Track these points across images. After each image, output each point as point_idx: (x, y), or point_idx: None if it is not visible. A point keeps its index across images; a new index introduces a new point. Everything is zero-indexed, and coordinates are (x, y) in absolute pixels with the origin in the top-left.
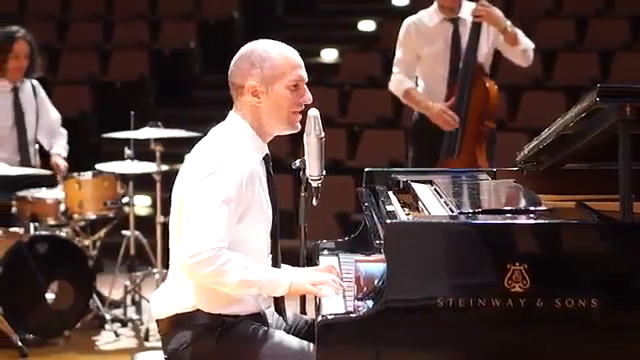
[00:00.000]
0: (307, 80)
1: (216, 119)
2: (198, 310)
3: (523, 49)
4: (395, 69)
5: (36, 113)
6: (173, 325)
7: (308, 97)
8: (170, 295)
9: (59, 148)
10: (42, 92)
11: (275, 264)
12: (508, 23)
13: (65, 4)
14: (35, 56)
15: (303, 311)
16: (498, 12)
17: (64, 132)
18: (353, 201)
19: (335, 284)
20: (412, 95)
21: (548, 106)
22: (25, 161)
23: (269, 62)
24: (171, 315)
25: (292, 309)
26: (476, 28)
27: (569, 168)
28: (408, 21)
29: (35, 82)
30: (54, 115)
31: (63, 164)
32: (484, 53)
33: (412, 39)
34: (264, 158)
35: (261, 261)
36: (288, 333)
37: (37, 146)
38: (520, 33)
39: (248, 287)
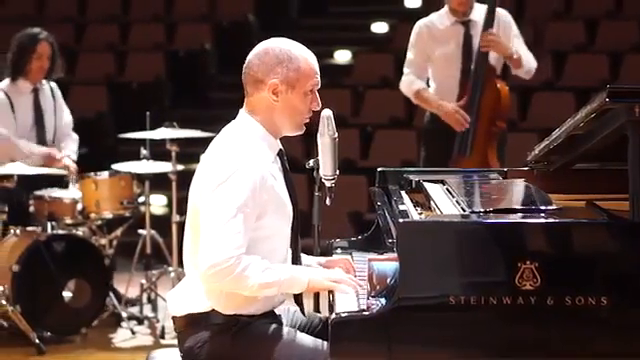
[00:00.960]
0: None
1: (231, 119)
2: (213, 310)
3: (526, 70)
4: (406, 70)
5: (54, 114)
6: (189, 324)
7: (319, 103)
8: (186, 295)
9: (69, 151)
10: (59, 94)
11: (295, 257)
12: (514, 50)
13: (82, 6)
14: (56, 58)
15: (317, 309)
16: (504, 40)
17: (76, 137)
18: (366, 200)
19: (351, 281)
20: (423, 95)
21: (558, 107)
22: (44, 160)
23: (295, 64)
24: (187, 314)
25: (306, 307)
26: (483, 54)
27: (579, 168)
28: (420, 23)
29: (53, 84)
30: (67, 118)
31: (73, 166)
32: (495, 55)
33: (423, 41)
34: (278, 154)
35: (282, 256)
36: (302, 331)
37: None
38: (525, 53)
39: (268, 288)
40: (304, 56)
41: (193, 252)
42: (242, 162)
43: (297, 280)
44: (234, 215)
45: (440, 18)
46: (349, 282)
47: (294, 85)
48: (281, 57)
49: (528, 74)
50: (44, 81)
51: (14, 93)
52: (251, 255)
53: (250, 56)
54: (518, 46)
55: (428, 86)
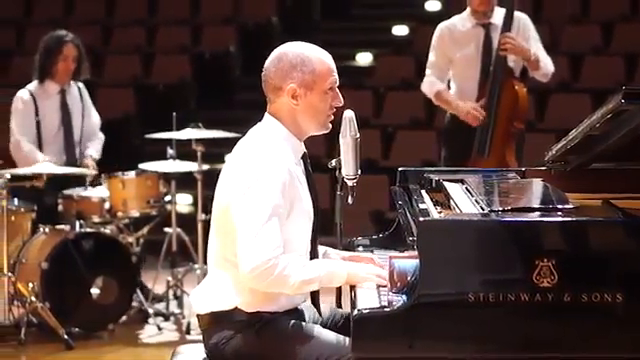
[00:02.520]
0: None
1: (255, 120)
2: (237, 308)
3: (543, 73)
4: (427, 71)
5: (82, 115)
6: (213, 321)
7: (340, 100)
8: (210, 293)
9: (92, 150)
10: (87, 95)
11: (314, 258)
12: (532, 52)
13: (109, 9)
14: (83, 59)
15: (339, 305)
16: (522, 42)
17: (102, 136)
18: (387, 199)
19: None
20: (443, 96)
21: (575, 108)
22: (71, 161)
23: (309, 66)
24: (211, 312)
25: (329, 303)
26: (502, 59)
27: (595, 168)
28: (441, 26)
29: (81, 85)
30: (95, 118)
31: (92, 166)
32: (514, 58)
33: (445, 43)
34: (302, 157)
35: (302, 257)
36: (324, 327)
37: (80, 147)
38: (543, 56)
39: (309, 284)
40: (318, 57)
41: (218, 250)
42: (270, 163)
43: (336, 274)
44: (269, 217)
45: (461, 21)
46: (384, 277)
47: (312, 87)
48: (295, 61)
49: (545, 77)
50: (72, 82)
51: (41, 94)
52: (289, 254)
53: (266, 64)
54: (536, 49)
55: (449, 88)
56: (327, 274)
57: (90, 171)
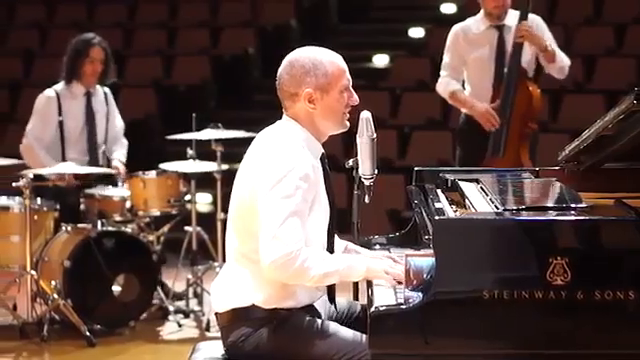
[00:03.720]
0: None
1: (273, 120)
2: (254, 305)
3: (559, 66)
4: (442, 72)
5: (106, 118)
6: (231, 319)
7: (356, 98)
8: (229, 289)
9: (119, 154)
10: (112, 100)
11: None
12: (547, 43)
13: (131, 12)
14: (109, 62)
15: (356, 299)
16: (539, 32)
17: (125, 142)
18: (403, 199)
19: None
20: (458, 96)
21: (588, 108)
22: (93, 161)
23: (322, 69)
24: (229, 310)
25: (346, 297)
26: (518, 47)
27: (608, 167)
28: (456, 27)
29: (107, 89)
30: (119, 123)
31: (123, 168)
32: (527, 59)
33: (459, 45)
34: (320, 158)
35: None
36: (340, 320)
37: (104, 149)
38: (558, 51)
39: (329, 277)
40: (329, 59)
41: (237, 247)
42: (295, 161)
43: (355, 268)
44: (292, 211)
45: (476, 22)
46: (402, 277)
47: (327, 89)
48: (307, 66)
49: (561, 72)
50: (98, 86)
51: (66, 95)
52: (308, 247)
53: (279, 72)
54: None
55: (464, 88)
56: (346, 268)
57: (113, 171)
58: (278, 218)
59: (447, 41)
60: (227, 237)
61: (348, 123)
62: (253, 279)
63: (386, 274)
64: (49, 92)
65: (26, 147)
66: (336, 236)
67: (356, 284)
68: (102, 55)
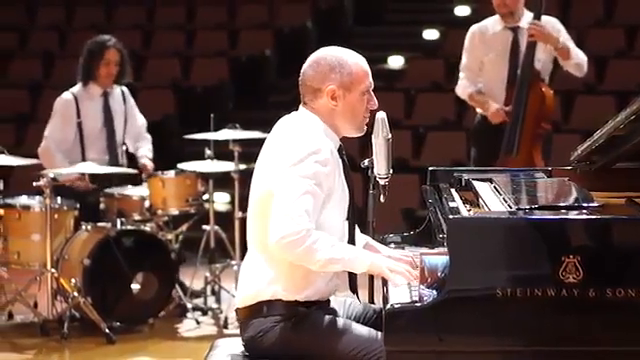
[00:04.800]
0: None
1: None
2: (274, 300)
3: (575, 62)
4: (461, 74)
5: (124, 117)
6: (250, 314)
7: (375, 103)
8: (248, 285)
9: (145, 150)
10: (131, 99)
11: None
12: (561, 40)
13: (150, 14)
14: (125, 63)
15: (371, 300)
16: (550, 30)
17: (149, 137)
18: (418, 198)
19: (409, 275)
20: (475, 97)
21: (600, 109)
22: (113, 161)
23: (347, 68)
24: (249, 304)
25: (362, 293)
26: (531, 46)
27: (619, 167)
28: (474, 28)
29: (125, 89)
30: (140, 121)
31: (150, 165)
32: (542, 61)
33: (476, 45)
34: (338, 150)
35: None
36: (358, 322)
37: (124, 148)
38: (573, 48)
39: (334, 264)
40: (354, 60)
41: (257, 235)
42: (316, 145)
43: (360, 261)
44: (306, 192)
45: (492, 23)
46: (406, 275)
47: (350, 88)
48: (333, 64)
49: (578, 68)
50: (115, 86)
51: (84, 97)
52: (319, 231)
53: (304, 68)
54: (565, 40)
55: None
56: (351, 258)
57: (133, 170)
58: (292, 196)
59: (465, 42)
60: (248, 227)
61: (365, 128)
62: (272, 267)
63: (389, 271)
64: (67, 95)
65: (44, 150)
66: (357, 230)
67: (371, 286)
68: (117, 57)
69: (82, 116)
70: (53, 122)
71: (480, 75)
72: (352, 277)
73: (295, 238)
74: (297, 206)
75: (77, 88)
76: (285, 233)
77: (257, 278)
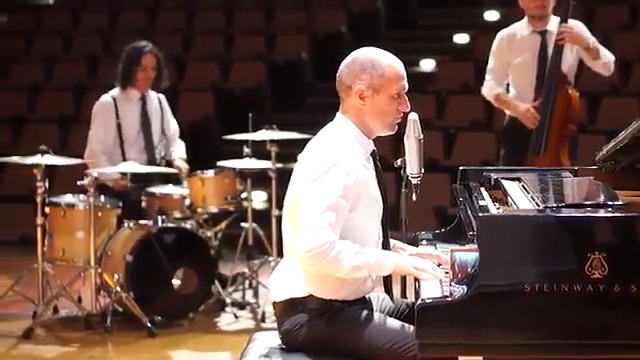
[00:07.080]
0: (407, 89)
1: (325, 122)
2: (310, 296)
3: (603, 62)
4: (487, 76)
5: (160, 122)
6: (287, 309)
7: (407, 105)
8: (285, 282)
9: (179, 152)
10: (166, 105)
11: (385, 247)
12: (591, 40)
13: (190, 19)
14: (162, 69)
15: (404, 295)
16: (580, 32)
17: (182, 143)
18: (449, 196)
19: (434, 271)
20: (502, 98)
21: (624, 110)
22: (151, 160)
23: (379, 70)
24: (286, 300)
25: (395, 294)
26: (558, 49)
27: None
28: (502, 33)
29: (161, 96)
30: (173, 126)
31: (185, 166)
32: (569, 64)
33: (503, 49)
34: (372, 154)
35: (372, 246)
36: (391, 316)
37: (161, 150)
38: (601, 48)
39: (359, 270)
40: (388, 62)
41: (290, 240)
42: (340, 157)
43: (385, 263)
44: (330, 204)
45: (520, 28)
46: (432, 272)
47: (378, 90)
48: (365, 64)
49: (606, 68)
50: (152, 92)
51: (122, 100)
52: (344, 240)
53: (341, 65)
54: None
55: (508, 91)
56: (376, 262)
57: (174, 170)
58: (316, 209)
59: (493, 45)
60: (283, 231)
61: (396, 127)
62: (305, 271)
63: (414, 270)
64: (106, 97)
65: (89, 154)
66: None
67: (404, 282)
68: (154, 62)
69: (120, 118)
70: (94, 125)
71: (506, 78)
72: (386, 278)
73: (320, 250)
74: (321, 220)
75: (116, 91)
76: (310, 246)
77: (293, 276)
